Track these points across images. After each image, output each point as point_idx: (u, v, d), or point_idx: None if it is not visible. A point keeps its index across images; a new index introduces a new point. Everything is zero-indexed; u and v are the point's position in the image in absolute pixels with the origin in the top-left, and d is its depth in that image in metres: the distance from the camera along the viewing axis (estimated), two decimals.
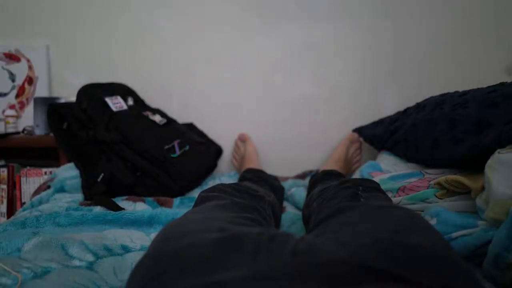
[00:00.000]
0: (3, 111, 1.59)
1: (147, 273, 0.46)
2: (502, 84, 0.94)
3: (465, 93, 1.02)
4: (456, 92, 1.08)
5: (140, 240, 0.86)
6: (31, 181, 1.49)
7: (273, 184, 1.21)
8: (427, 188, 0.90)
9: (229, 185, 0.91)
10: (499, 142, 0.77)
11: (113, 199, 1.13)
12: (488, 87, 0.96)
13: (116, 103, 1.38)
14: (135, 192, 1.24)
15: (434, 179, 0.92)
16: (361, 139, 1.53)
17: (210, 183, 1.43)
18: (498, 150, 0.74)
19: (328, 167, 1.40)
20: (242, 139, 1.61)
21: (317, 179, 1.19)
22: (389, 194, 0.95)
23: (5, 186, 1.50)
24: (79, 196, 1.18)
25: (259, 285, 0.39)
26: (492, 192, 0.68)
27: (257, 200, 0.86)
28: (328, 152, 1.61)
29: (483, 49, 1.59)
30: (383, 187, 0.91)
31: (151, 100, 1.60)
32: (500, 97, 0.87)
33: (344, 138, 1.54)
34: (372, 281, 0.40)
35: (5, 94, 1.62)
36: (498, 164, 0.71)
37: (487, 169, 0.73)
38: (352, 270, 0.41)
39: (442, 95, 1.12)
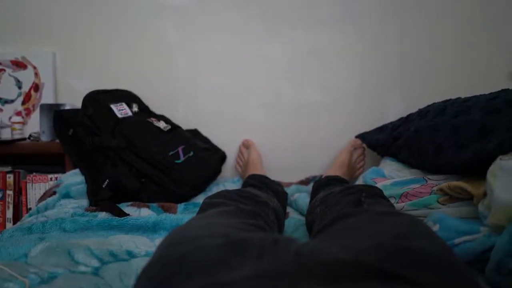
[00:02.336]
0: (10, 118, 1.61)
1: (154, 277, 0.47)
2: (504, 90, 0.95)
3: (467, 99, 1.02)
4: (459, 98, 1.08)
5: (145, 245, 0.87)
6: (37, 187, 1.50)
7: (276, 190, 1.21)
8: (430, 194, 0.90)
9: (233, 191, 0.92)
10: (501, 149, 0.78)
11: (118, 205, 1.14)
12: (491, 93, 0.96)
13: (121, 110, 1.39)
14: (140, 198, 1.25)
15: (436, 185, 0.92)
16: (364, 145, 1.53)
17: (214, 188, 1.43)
18: (500, 157, 0.75)
19: (331, 172, 1.40)
20: (246, 145, 1.61)
21: (321, 185, 1.19)
22: (392, 200, 0.96)
23: (11, 192, 1.51)
24: (85, 202, 1.19)
25: (262, 285, 0.40)
26: (494, 199, 0.69)
27: (261, 206, 0.87)
28: (332, 157, 1.61)
29: (486, 54, 1.59)
30: (386, 193, 0.91)
31: (156, 106, 1.61)
32: (502, 104, 0.88)
33: (347, 143, 1.54)
34: (374, 280, 0.40)
35: (11, 101, 1.64)
36: (500, 170, 0.71)
37: (489, 176, 0.73)
38: (354, 269, 0.42)
39: (444, 101, 1.12)
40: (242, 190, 0.97)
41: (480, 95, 1.00)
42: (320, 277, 0.41)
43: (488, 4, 1.58)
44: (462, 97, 1.08)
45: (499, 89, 0.98)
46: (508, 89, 0.95)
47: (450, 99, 1.12)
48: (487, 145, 0.82)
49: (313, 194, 1.16)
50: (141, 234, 0.95)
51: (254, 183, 1.21)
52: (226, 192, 0.90)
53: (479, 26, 1.59)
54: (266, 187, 1.18)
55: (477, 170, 0.85)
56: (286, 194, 1.28)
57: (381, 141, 1.35)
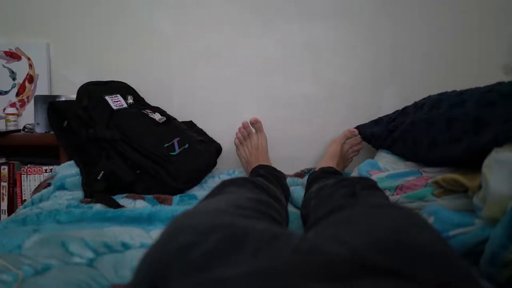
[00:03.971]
0: (4, 109, 1.60)
1: (151, 265, 0.47)
2: (499, 83, 0.95)
3: (462, 92, 1.02)
4: (454, 91, 1.08)
5: (139, 237, 0.87)
6: (31, 178, 1.50)
7: (283, 185, 1.20)
8: (425, 187, 0.91)
9: (250, 180, 0.91)
10: (496, 141, 0.78)
11: (113, 197, 1.14)
12: (486, 86, 0.96)
13: (116, 101, 1.38)
14: (135, 190, 1.24)
15: (431, 177, 0.92)
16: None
17: (210, 181, 1.43)
18: (495, 149, 0.75)
19: (324, 164, 1.40)
20: (255, 124, 1.48)
21: (315, 178, 1.19)
22: (387, 193, 0.96)
23: (5, 184, 1.51)
24: (79, 194, 1.19)
25: (260, 282, 0.40)
26: (489, 191, 0.69)
27: (277, 202, 0.86)
28: None
29: (481, 48, 1.59)
30: (381, 185, 0.91)
31: (151, 98, 1.60)
32: (497, 96, 0.88)
33: (341, 135, 1.54)
34: (372, 276, 0.40)
35: (5, 92, 1.63)
36: (495, 163, 0.71)
37: (484, 168, 0.73)
38: (352, 266, 0.42)
39: (439, 94, 1.12)
40: (257, 180, 0.96)
41: (475, 88, 1.00)
42: (318, 275, 0.41)
43: None
44: (458, 90, 1.08)
45: (494, 82, 0.98)
46: (503, 82, 0.95)
47: (446, 92, 1.12)
48: (482, 138, 0.82)
49: (308, 187, 1.16)
50: (136, 225, 0.95)
51: (265, 174, 1.19)
52: (241, 179, 0.89)
53: (474, 19, 1.59)
54: (276, 181, 1.15)
55: (472, 163, 0.85)
56: (289, 189, 1.27)
57: (376, 134, 1.35)
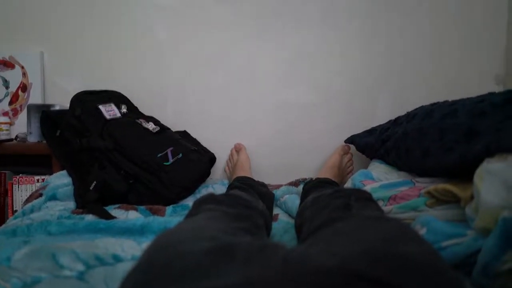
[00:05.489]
0: None
1: (137, 281, 0.46)
2: (491, 93, 0.95)
3: (454, 102, 1.03)
4: (446, 101, 1.09)
5: (131, 249, 0.86)
6: (23, 188, 1.49)
7: (260, 191, 1.20)
8: (418, 197, 0.91)
9: (222, 195, 0.91)
10: (488, 151, 0.78)
11: (105, 207, 1.13)
12: (477, 96, 0.97)
13: (109, 111, 1.38)
14: (128, 200, 1.24)
15: (424, 187, 0.92)
16: (351, 150, 1.54)
17: (203, 190, 1.43)
18: (487, 159, 0.75)
19: (322, 174, 1.40)
20: (237, 148, 1.63)
21: (311, 187, 1.19)
22: (380, 203, 0.96)
23: None
24: (71, 204, 1.18)
25: None
26: (481, 201, 0.69)
27: (250, 210, 0.86)
28: (322, 158, 1.61)
29: (475, 58, 1.60)
30: (374, 195, 0.91)
31: (145, 107, 1.59)
32: (489, 107, 0.88)
33: (338, 147, 1.55)
34: (362, 287, 0.40)
35: None
36: (487, 173, 0.71)
37: (476, 178, 0.74)
38: (343, 278, 0.41)
39: (432, 104, 1.13)
40: (230, 194, 0.97)
41: (467, 98, 1.01)
42: (309, 285, 0.40)
43: (477, 6, 1.59)
44: (450, 100, 1.08)
45: (486, 92, 0.98)
46: (495, 92, 0.96)
47: (437, 102, 1.13)
48: (474, 147, 0.83)
49: (303, 196, 1.16)
50: (128, 237, 0.94)
51: (239, 186, 1.21)
52: (215, 196, 0.90)
53: (468, 28, 1.60)
54: (251, 189, 1.17)
55: (464, 173, 0.85)
56: (272, 195, 1.27)
57: (370, 144, 1.36)
